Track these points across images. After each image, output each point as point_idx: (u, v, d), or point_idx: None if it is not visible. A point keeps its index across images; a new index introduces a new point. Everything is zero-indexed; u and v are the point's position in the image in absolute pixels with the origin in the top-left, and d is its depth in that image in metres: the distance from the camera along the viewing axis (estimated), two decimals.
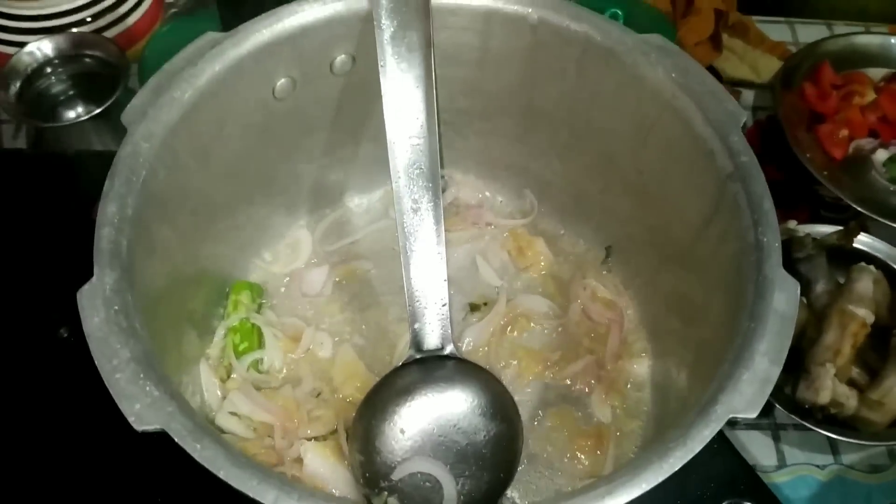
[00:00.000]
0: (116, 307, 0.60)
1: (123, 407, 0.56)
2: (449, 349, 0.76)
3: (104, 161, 0.67)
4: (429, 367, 0.75)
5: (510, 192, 0.98)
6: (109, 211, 0.64)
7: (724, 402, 0.58)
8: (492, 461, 0.72)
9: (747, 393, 0.58)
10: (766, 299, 0.62)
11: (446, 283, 0.75)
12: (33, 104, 1.08)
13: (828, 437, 0.90)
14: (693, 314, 0.76)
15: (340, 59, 0.79)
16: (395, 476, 0.71)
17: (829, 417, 0.91)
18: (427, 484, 0.71)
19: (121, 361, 0.58)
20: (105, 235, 0.63)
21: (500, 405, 0.75)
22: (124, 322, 0.60)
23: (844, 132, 1.14)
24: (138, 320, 0.61)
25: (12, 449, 0.83)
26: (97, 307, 0.60)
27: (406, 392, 0.73)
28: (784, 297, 0.62)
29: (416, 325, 0.75)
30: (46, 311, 0.91)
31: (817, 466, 0.98)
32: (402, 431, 0.72)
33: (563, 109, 0.84)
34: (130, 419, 0.56)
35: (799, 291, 0.63)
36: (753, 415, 0.57)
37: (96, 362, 0.58)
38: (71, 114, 1.11)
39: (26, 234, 0.99)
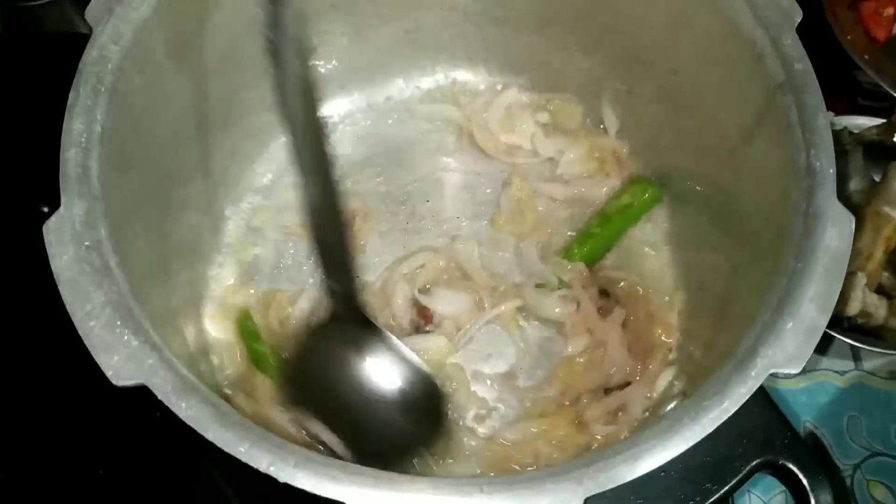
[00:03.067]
0: (87, 243, 0.54)
1: (100, 360, 0.51)
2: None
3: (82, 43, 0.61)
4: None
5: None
6: (75, 129, 0.57)
7: (765, 356, 0.53)
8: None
9: (791, 345, 0.53)
10: (816, 235, 0.56)
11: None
12: None
13: (851, 344, 0.86)
14: (726, 250, 0.70)
15: None
16: None
17: (854, 325, 0.87)
18: None
19: (94, 307, 0.52)
20: (71, 158, 0.56)
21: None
22: (97, 260, 0.54)
23: (890, 10, 1.05)
24: (113, 256, 0.55)
25: None
26: (65, 243, 0.54)
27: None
28: (837, 233, 0.56)
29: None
30: (26, 190, 0.88)
31: (837, 373, 0.95)
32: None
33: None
34: (108, 373, 0.51)
35: (854, 226, 0.56)
36: (797, 370, 0.52)
37: (67, 307, 0.52)
38: None
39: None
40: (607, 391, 0.74)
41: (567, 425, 0.72)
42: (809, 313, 0.54)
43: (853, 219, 0.56)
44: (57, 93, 0.85)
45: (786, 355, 0.53)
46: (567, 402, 0.74)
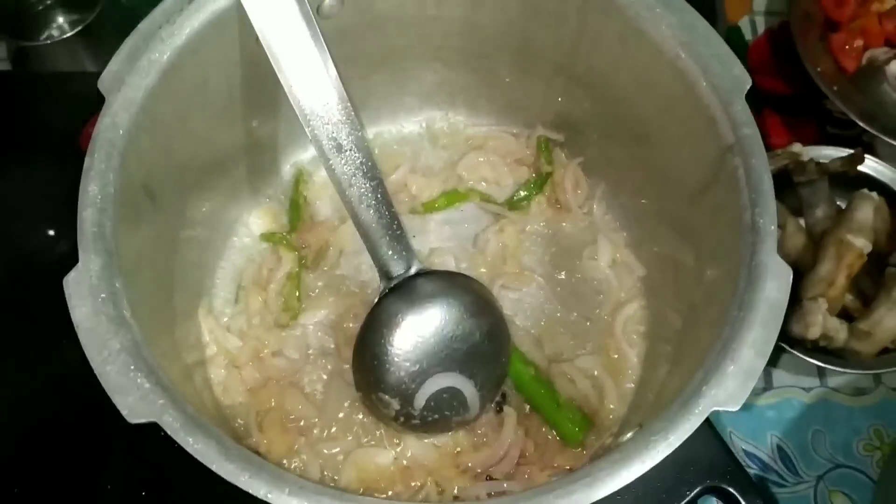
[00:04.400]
0: (104, 295, 0.60)
1: (116, 400, 0.57)
2: (415, 268, 0.77)
3: (93, 81, 0.66)
4: (403, 292, 0.76)
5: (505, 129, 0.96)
6: (91, 191, 0.63)
7: (708, 396, 0.59)
8: (492, 352, 0.77)
9: (731, 386, 0.59)
10: (757, 287, 0.62)
11: (393, 209, 0.74)
12: (11, 16, 1.03)
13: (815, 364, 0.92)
14: (685, 281, 0.76)
15: (328, 1, 0.75)
16: (418, 404, 0.74)
17: (818, 346, 0.92)
18: (446, 395, 0.75)
19: (111, 353, 0.58)
20: (88, 218, 0.62)
21: (482, 301, 0.78)
22: (112, 311, 0.60)
23: (859, 42, 1.09)
24: (126, 307, 0.61)
25: None
26: (84, 296, 0.60)
27: (392, 325, 0.75)
28: (776, 286, 0.62)
29: (378, 258, 0.75)
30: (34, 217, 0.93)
31: (803, 389, 1.00)
32: (407, 362, 0.74)
33: (562, 54, 0.81)
34: (123, 412, 0.57)
35: (791, 279, 0.62)
36: (735, 408, 0.58)
37: (87, 354, 0.58)
38: (52, 25, 1.07)
39: (10, 157, 0.99)
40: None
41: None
42: (748, 358, 0.60)
43: (790, 272, 0.62)
44: (63, 129, 0.91)
45: (727, 395, 0.59)
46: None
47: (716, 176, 0.69)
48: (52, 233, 0.96)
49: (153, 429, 0.57)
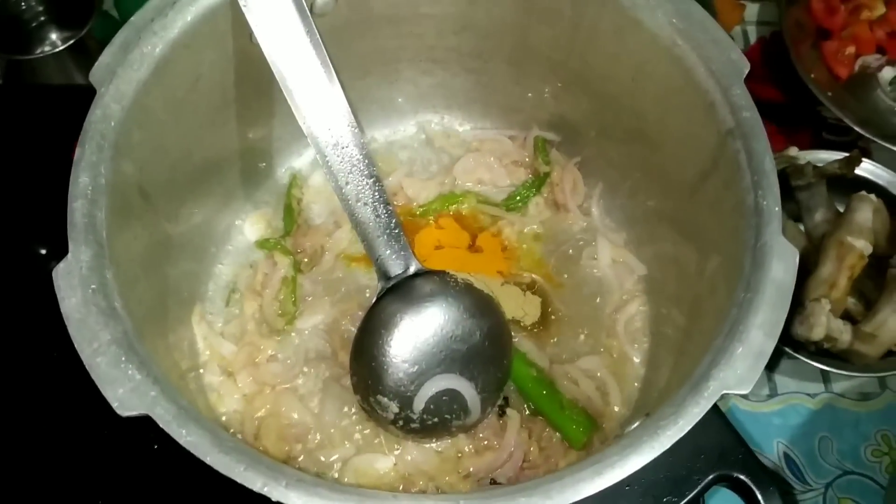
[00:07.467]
0: (94, 286, 0.58)
1: (106, 392, 0.55)
2: (413, 268, 0.75)
3: (85, 95, 0.65)
4: (401, 292, 0.75)
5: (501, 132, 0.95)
6: (82, 182, 0.61)
7: (717, 378, 0.57)
8: (493, 354, 0.76)
9: (740, 368, 0.57)
10: (763, 268, 0.61)
11: (390, 207, 0.73)
12: (3, 31, 1.03)
13: (819, 368, 0.91)
14: (687, 275, 0.74)
15: None
16: (417, 407, 0.72)
17: (821, 349, 0.91)
18: (445, 398, 0.73)
19: (101, 344, 0.57)
20: (78, 209, 0.61)
21: (482, 301, 0.76)
22: (103, 302, 0.58)
23: (851, 49, 1.10)
24: (118, 299, 0.59)
25: None
26: (74, 287, 0.58)
27: (390, 325, 0.73)
28: (783, 267, 0.61)
29: (376, 257, 0.74)
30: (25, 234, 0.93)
31: (808, 395, 0.99)
32: (405, 363, 0.72)
33: (558, 50, 0.80)
34: (114, 404, 0.55)
35: (797, 259, 0.61)
36: (746, 391, 0.57)
37: (76, 345, 0.57)
38: (45, 41, 1.06)
39: (3, 170, 0.98)
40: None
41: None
42: (757, 339, 0.58)
43: (797, 253, 0.61)
44: (55, 143, 0.90)
45: (736, 378, 0.57)
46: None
47: (716, 162, 0.68)
48: (43, 249, 0.95)
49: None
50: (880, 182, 1.00)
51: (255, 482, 0.53)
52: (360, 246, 0.77)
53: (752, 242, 0.62)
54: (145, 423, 0.55)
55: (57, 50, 1.00)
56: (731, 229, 0.65)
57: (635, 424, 0.61)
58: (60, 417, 0.85)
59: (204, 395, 0.77)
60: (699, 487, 0.65)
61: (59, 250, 0.60)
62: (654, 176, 0.81)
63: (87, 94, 0.65)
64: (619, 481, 0.55)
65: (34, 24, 1.07)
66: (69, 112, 0.78)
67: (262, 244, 0.86)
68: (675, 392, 0.59)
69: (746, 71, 0.67)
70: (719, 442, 0.65)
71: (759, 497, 0.64)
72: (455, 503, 0.53)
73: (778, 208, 0.62)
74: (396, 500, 0.54)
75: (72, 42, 0.99)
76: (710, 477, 0.65)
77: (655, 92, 0.74)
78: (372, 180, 0.72)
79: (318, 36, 0.68)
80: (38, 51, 1.03)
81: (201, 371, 0.79)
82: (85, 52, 1.01)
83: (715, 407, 0.57)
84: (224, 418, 0.78)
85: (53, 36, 1.06)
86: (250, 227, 0.88)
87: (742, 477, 0.65)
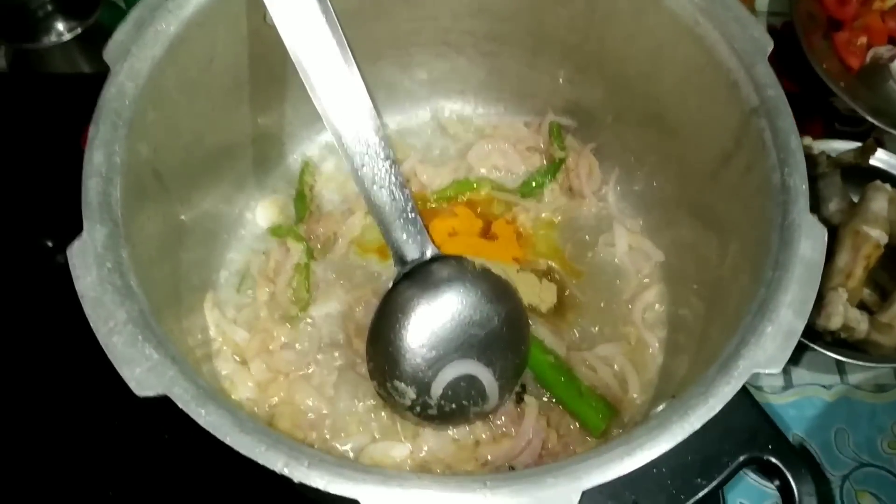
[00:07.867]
0: (109, 265, 0.57)
1: (123, 372, 0.54)
2: (430, 252, 0.74)
3: (91, 84, 0.64)
4: (418, 277, 0.74)
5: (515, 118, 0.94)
6: (96, 160, 0.60)
7: (746, 357, 0.56)
8: (511, 339, 0.74)
9: (770, 347, 0.56)
10: (792, 246, 0.59)
11: (406, 191, 0.72)
12: (11, 20, 1.02)
13: (835, 359, 0.90)
14: (706, 260, 0.73)
15: None
16: (435, 393, 0.71)
17: (838, 340, 0.91)
18: (463, 384, 0.72)
19: (117, 323, 0.55)
20: (93, 187, 0.59)
21: (500, 287, 0.75)
22: (118, 281, 0.57)
23: (863, 39, 1.10)
24: (133, 278, 0.58)
25: None
26: (89, 265, 0.56)
27: (407, 310, 0.72)
28: (811, 245, 0.59)
29: (392, 242, 0.73)
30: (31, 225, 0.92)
31: (823, 387, 0.99)
32: (423, 348, 0.71)
33: (574, 32, 0.79)
34: (131, 384, 0.54)
35: (826, 238, 0.60)
36: (777, 370, 0.56)
37: (91, 325, 0.55)
38: (52, 30, 1.05)
39: (10, 159, 0.97)
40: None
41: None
42: (787, 318, 0.57)
43: (825, 231, 0.60)
44: (61, 132, 0.89)
45: (766, 356, 0.56)
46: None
47: (739, 142, 0.67)
48: (49, 240, 0.94)
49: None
50: (895, 172, 0.99)
51: (277, 462, 0.52)
52: (373, 234, 0.76)
53: (780, 221, 0.61)
54: (155, 413, 0.54)
55: (64, 39, 1.00)
56: (756, 209, 0.64)
57: (661, 407, 0.60)
58: (69, 409, 0.84)
59: (217, 382, 0.76)
60: (728, 470, 0.63)
61: (66, 241, 0.58)
62: (672, 160, 0.79)
63: (93, 84, 0.64)
64: (647, 463, 0.53)
65: (41, 14, 1.06)
66: (76, 101, 0.77)
67: (275, 231, 0.85)
68: (702, 373, 0.57)
69: (770, 49, 0.66)
70: (748, 424, 0.64)
71: (791, 479, 0.63)
72: (482, 484, 0.52)
73: (805, 186, 0.61)
74: (420, 480, 0.52)
75: (78, 32, 1.00)
76: (741, 459, 0.64)
77: (675, 73, 0.73)
78: (388, 163, 0.71)
79: (333, 15, 0.67)
80: (45, 40, 1.03)
81: (213, 359, 0.78)
82: (91, 42, 1.01)
83: (744, 388, 0.56)
84: (237, 407, 0.76)
85: (60, 26, 1.06)
86: (262, 213, 0.87)
87: (773, 459, 0.64)
